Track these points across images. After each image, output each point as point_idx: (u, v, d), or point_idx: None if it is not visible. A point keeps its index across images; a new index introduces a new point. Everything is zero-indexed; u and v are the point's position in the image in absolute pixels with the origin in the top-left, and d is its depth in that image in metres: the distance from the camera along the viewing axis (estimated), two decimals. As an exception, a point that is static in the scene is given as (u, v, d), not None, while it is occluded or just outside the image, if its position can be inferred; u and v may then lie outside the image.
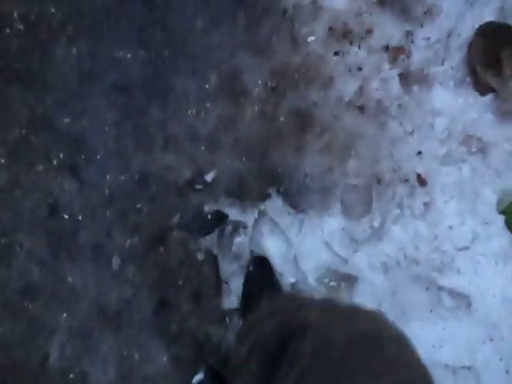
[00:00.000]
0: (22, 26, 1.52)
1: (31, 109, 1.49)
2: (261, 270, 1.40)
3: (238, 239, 1.44)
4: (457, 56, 1.48)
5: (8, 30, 1.52)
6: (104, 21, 1.48)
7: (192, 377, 1.36)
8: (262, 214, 1.47)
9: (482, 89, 1.46)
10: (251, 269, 1.41)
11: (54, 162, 1.48)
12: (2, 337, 1.42)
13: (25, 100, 1.49)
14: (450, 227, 1.28)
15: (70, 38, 1.50)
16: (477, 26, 1.44)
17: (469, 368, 1.22)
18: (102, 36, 1.48)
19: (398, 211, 1.34)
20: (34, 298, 1.43)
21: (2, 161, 1.49)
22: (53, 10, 1.51)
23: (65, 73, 1.48)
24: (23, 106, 1.49)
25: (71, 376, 1.42)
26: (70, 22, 1.50)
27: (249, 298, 1.37)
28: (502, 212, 1.28)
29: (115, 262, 1.44)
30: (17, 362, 1.43)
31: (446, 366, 1.23)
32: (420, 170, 1.36)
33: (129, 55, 1.49)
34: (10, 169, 1.48)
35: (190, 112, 1.51)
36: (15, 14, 1.52)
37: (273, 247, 1.45)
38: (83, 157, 1.46)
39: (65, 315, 1.42)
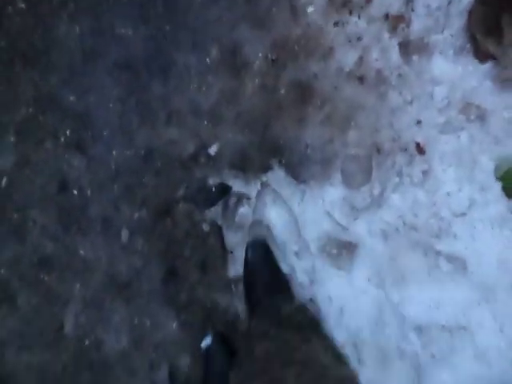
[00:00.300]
0: (23, 5, 1.54)
1: (37, 88, 1.52)
2: (261, 257, 1.40)
3: (241, 210, 1.48)
4: (457, 24, 1.47)
5: (10, 9, 1.54)
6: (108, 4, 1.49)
7: (200, 342, 1.43)
8: (264, 185, 1.50)
9: (482, 56, 1.46)
10: (250, 255, 1.40)
11: (62, 140, 1.52)
12: (20, 308, 1.49)
13: (30, 79, 1.53)
14: (448, 194, 1.30)
15: (71, 15, 1.52)
16: (477, -7, 1.43)
17: (464, 328, 1.27)
18: (103, 13, 1.50)
19: (397, 179, 1.37)
20: (48, 270, 1.50)
21: (11, 139, 1.53)
22: (54, -12, 1.52)
23: (68, 51, 1.51)
24: (29, 85, 1.53)
25: (86, 343, 1.50)
26: (70, 0, 1.51)
27: (252, 291, 1.38)
28: (499, 178, 1.30)
29: (124, 234, 1.49)
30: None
31: (443, 326, 1.28)
32: (419, 139, 1.37)
33: (130, 32, 1.51)
34: (19, 147, 1.53)
35: (191, 86, 1.53)
36: (17, -7, 1.53)
37: (275, 217, 1.49)
38: (89, 133, 1.50)
39: (78, 286, 1.49)
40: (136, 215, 1.52)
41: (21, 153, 1.53)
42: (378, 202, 1.40)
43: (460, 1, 1.48)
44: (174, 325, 1.47)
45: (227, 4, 1.51)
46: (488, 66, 1.43)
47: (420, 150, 1.36)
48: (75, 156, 1.51)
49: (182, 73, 1.54)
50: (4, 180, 1.54)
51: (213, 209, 1.50)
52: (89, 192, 1.51)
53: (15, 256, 1.51)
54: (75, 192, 1.51)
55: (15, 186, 1.55)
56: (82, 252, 1.49)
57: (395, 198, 1.35)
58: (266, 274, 1.37)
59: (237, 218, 1.49)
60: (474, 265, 1.27)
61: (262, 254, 1.40)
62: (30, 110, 1.54)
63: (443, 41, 1.46)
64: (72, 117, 1.50)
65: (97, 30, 1.51)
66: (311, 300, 1.40)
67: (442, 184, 1.31)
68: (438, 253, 1.30)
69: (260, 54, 1.51)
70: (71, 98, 1.52)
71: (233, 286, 1.46)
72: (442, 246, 1.30)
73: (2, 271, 1.50)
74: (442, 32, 1.47)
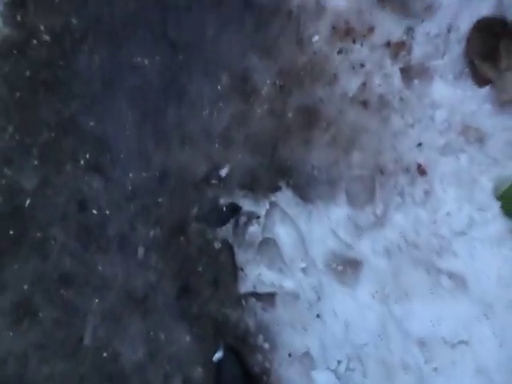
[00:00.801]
0: (48, 37, 1.65)
1: (58, 113, 1.63)
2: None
3: (251, 229, 1.55)
4: (456, 50, 1.54)
5: (35, 41, 1.66)
6: (122, 30, 1.59)
7: (213, 355, 1.50)
8: (273, 204, 1.58)
9: (480, 81, 1.53)
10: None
11: (81, 162, 1.62)
12: (41, 322, 1.57)
13: (52, 105, 1.63)
14: (448, 213, 1.36)
15: (91, 47, 1.62)
16: (475, 21, 1.50)
17: (465, 343, 1.32)
18: (121, 44, 1.60)
19: (399, 199, 1.43)
20: (68, 286, 1.58)
21: (35, 162, 1.63)
22: (75, 22, 1.63)
23: (88, 79, 1.61)
24: (51, 110, 1.63)
25: (104, 355, 1.57)
26: (90, 32, 1.62)
27: None
28: (498, 198, 1.36)
29: (140, 251, 1.57)
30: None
31: (445, 340, 1.33)
32: (420, 161, 1.44)
33: (146, 61, 1.61)
34: (42, 169, 1.63)
35: (204, 111, 1.62)
36: (42, 27, 1.64)
37: (284, 235, 1.56)
38: (108, 156, 1.59)
39: (96, 301, 1.57)
40: (151, 233, 1.61)
41: (43, 174, 1.63)
42: (381, 220, 1.46)
43: (458, 29, 1.55)
44: (188, 338, 1.54)
45: (237, 34, 1.61)
46: (486, 89, 1.50)
47: (421, 171, 1.42)
48: (94, 177, 1.61)
49: (194, 99, 1.63)
50: (27, 200, 1.63)
51: (224, 228, 1.57)
52: (107, 211, 1.60)
53: (37, 272, 1.60)
54: (94, 211, 1.60)
55: (38, 206, 1.64)
56: (100, 268, 1.57)
57: (398, 217, 1.41)
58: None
59: (247, 237, 1.56)
60: (473, 282, 1.33)
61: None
62: (52, 134, 1.64)
63: (443, 66, 1.54)
64: (91, 141, 1.60)
65: (115, 59, 1.61)
66: (318, 316, 1.46)
67: (442, 204, 1.37)
68: (439, 270, 1.36)
69: (268, 81, 1.59)
70: (91, 123, 1.62)
71: (243, 301, 1.52)
72: (442, 263, 1.35)
73: (25, 287, 1.58)
74: (442, 58, 1.54)
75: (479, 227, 1.35)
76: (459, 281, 1.34)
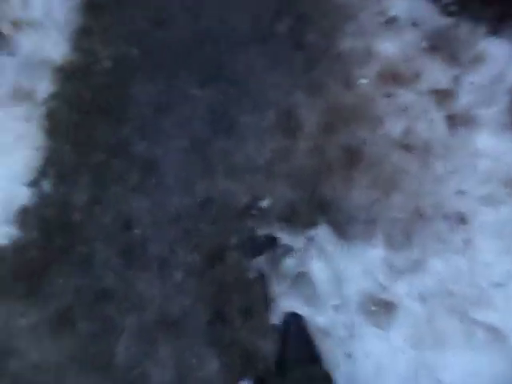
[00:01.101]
0: (109, 64, 1.76)
1: (111, 135, 1.72)
2: (300, 335, 1.49)
3: (287, 262, 1.58)
4: (502, 100, 1.56)
5: (97, 67, 1.77)
6: (179, 62, 1.69)
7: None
8: (310, 239, 1.60)
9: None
10: (290, 329, 1.49)
11: (129, 183, 1.69)
12: (78, 334, 1.63)
13: (106, 128, 1.72)
14: (487, 264, 1.36)
15: (148, 74, 1.72)
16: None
17: (499, 399, 1.30)
18: (176, 74, 1.69)
19: (437, 245, 1.44)
20: (107, 301, 1.64)
21: (86, 179, 1.72)
22: (135, 51, 1.74)
23: (142, 105, 1.70)
24: (104, 133, 1.72)
25: (134, 375, 1.61)
26: (149, 62, 1.72)
27: (284, 361, 1.47)
28: (539, 252, 1.35)
29: (178, 274, 1.62)
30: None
31: (477, 394, 1.32)
32: (461, 208, 1.45)
33: (199, 92, 1.69)
34: (92, 188, 1.71)
35: (249, 143, 1.68)
36: (104, 54, 1.76)
37: (319, 271, 1.58)
38: (154, 179, 1.66)
39: (132, 319, 1.61)
40: (190, 258, 1.65)
41: (93, 192, 1.71)
42: (417, 265, 1.47)
43: (505, 80, 1.58)
44: (216, 365, 1.56)
45: (286, 71, 1.68)
46: (532, 142, 1.51)
47: (461, 219, 1.43)
48: (140, 199, 1.68)
49: (241, 131, 1.69)
50: (76, 215, 1.71)
51: (260, 258, 1.61)
52: (149, 232, 1.66)
53: (79, 285, 1.66)
54: (137, 231, 1.67)
55: (85, 222, 1.72)
56: (138, 287, 1.62)
57: (435, 263, 1.42)
58: (301, 346, 1.45)
59: (282, 269, 1.59)
60: (511, 337, 1.31)
61: (299, 328, 1.49)
62: (104, 155, 1.73)
63: (489, 116, 1.56)
64: (140, 163, 1.68)
65: (170, 89, 1.70)
66: (348, 355, 1.46)
67: (481, 254, 1.37)
68: (475, 321, 1.35)
69: (313, 119, 1.65)
70: (140, 147, 1.70)
71: (274, 333, 1.54)
72: (479, 314, 1.34)
73: (67, 297, 1.65)
74: (488, 107, 1.57)
75: (519, 280, 1.34)
76: (496, 334, 1.32)
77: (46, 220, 1.65)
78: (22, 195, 1.70)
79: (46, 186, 1.70)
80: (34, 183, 1.71)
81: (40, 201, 1.70)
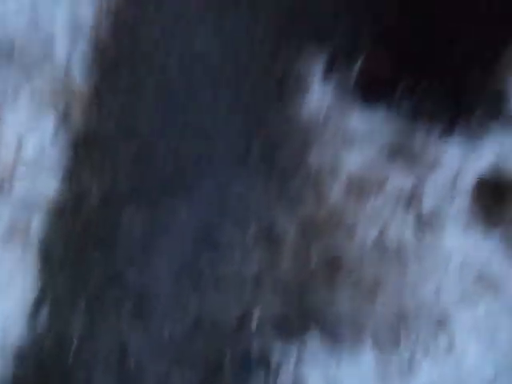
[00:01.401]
0: (99, 196, 1.89)
1: (104, 266, 1.80)
2: None
3: (281, 375, 1.61)
4: (464, 198, 1.70)
5: (89, 201, 1.89)
6: (163, 192, 1.83)
7: None
8: (302, 348, 1.65)
9: (491, 226, 1.66)
10: None
11: (123, 311, 1.75)
12: None
13: (98, 259, 1.81)
14: (472, 366, 1.41)
15: (135, 204, 1.85)
16: (476, 176, 1.67)
17: None
18: (162, 204, 1.82)
19: (424, 348, 1.49)
20: None
21: (82, 311, 1.78)
22: (123, 183, 1.88)
23: (131, 235, 1.80)
24: (97, 264, 1.81)
25: None
26: (136, 195, 1.86)
27: None
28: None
29: (175, 398, 1.63)
30: None
31: None
32: (440, 309, 1.52)
33: (184, 215, 1.81)
34: (88, 318, 1.76)
35: (234, 258, 1.78)
36: (95, 187, 1.89)
37: (313, 379, 1.61)
38: (147, 306, 1.73)
39: None
40: (186, 376, 1.68)
41: (88, 322, 1.76)
42: (408, 367, 1.51)
43: (462, 179, 1.72)
44: None
45: (263, 190, 1.81)
46: (498, 235, 1.62)
47: (441, 320, 1.50)
48: (134, 325, 1.73)
49: (227, 245, 1.79)
50: (73, 345, 1.75)
51: (255, 373, 1.63)
52: (145, 358, 1.69)
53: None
54: (133, 358, 1.70)
55: (82, 350, 1.75)
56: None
57: (423, 367, 1.46)
58: None
59: (278, 382, 1.61)
60: None
61: None
62: (98, 286, 1.81)
63: (453, 214, 1.68)
64: (133, 292, 1.75)
65: (155, 220, 1.82)
66: None
67: (465, 356, 1.42)
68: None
69: (292, 231, 1.76)
70: (132, 274, 1.78)
71: None
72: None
73: None
74: (451, 207, 1.70)
75: (506, 377, 1.38)
76: None
77: (42, 358, 1.68)
78: (17, 332, 1.75)
79: (41, 320, 1.76)
80: (29, 318, 1.77)
81: (35, 335, 1.75)
